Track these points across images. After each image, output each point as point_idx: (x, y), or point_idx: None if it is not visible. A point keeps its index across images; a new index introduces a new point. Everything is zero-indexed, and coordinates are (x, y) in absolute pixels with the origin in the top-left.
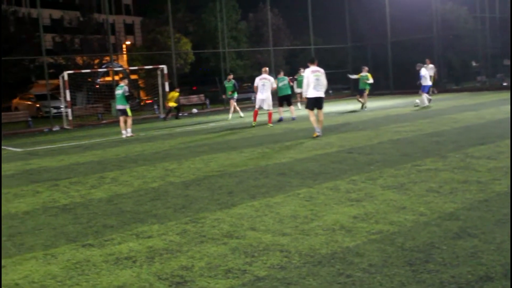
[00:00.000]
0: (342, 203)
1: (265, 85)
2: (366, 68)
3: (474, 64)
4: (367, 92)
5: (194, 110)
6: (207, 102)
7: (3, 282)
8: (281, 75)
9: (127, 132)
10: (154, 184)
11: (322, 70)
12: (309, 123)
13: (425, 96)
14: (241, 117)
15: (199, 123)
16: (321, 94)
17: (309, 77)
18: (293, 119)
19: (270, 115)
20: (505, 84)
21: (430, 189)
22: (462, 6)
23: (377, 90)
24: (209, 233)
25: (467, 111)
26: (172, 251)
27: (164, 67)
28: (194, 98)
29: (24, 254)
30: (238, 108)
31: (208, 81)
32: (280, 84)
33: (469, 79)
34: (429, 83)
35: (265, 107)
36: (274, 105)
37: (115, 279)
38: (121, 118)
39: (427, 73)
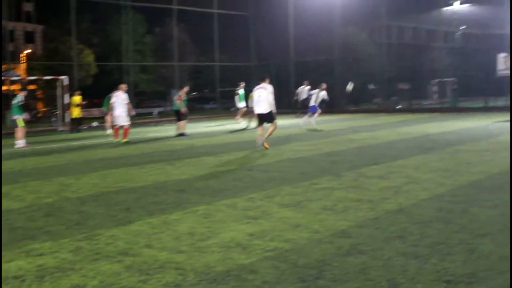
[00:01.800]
0: (239, 221)
1: (117, 102)
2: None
3: (371, 86)
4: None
5: (95, 123)
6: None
7: None
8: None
9: (20, 143)
10: (48, 200)
11: (267, 87)
12: (206, 139)
13: (306, 117)
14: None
15: (99, 137)
16: (261, 110)
17: (253, 94)
18: (181, 135)
19: (125, 130)
20: (399, 107)
21: (325, 207)
22: (362, 31)
23: (280, 109)
24: (104, 251)
25: (362, 131)
26: (64, 269)
27: (65, 78)
28: (95, 111)
29: None
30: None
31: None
32: (184, 99)
33: (366, 101)
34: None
35: (120, 122)
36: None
37: None
38: (18, 128)
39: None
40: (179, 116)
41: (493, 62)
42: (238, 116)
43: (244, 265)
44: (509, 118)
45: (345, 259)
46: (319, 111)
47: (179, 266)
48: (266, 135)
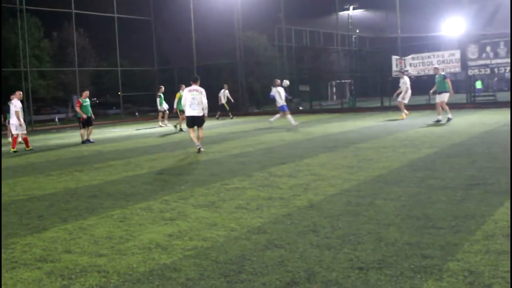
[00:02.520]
0: (157, 223)
1: (11, 110)
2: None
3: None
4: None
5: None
6: (6, 123)
7: None
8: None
9: None
10: None
11: (201, 90)
12: (113, 145)
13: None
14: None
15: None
16: (197, 113)
17: (186, 96)
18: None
19: (17, 139)
20: (301, 108)
21: (238, 206)
22: (262, 35)
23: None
24: (21, 259)
25: (268, 133)
26: None
27: None
28: None
29: None
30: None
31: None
32: (85, 104)
33: (269, 103)
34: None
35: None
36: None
37: None
38: None
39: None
40: (82, 123)
41: (388, 64)
42: (160, 119)
43: (166, 264)
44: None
45: (263, 254)
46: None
47: (101, 269)
48: (200, 141)
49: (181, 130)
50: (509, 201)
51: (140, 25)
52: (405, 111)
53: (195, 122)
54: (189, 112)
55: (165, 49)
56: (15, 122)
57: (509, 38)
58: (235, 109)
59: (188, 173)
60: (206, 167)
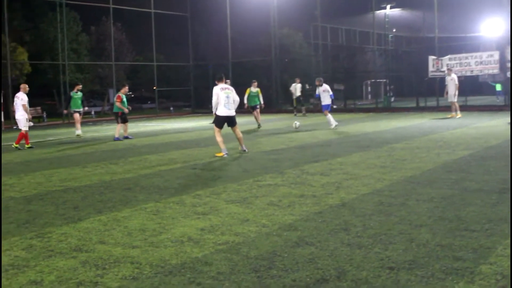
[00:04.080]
0: (189, 217)
1: (17, 103)
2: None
3: (307, 87)
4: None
5: (30, 123)
6: (44, 115)
7: None
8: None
9: None
10: None
11: (231, 88)
12: (147, 139)
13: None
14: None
15: (36, 137)
16: (232, 112)
17: (219, 95)
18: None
19: (23, 135)
20: (334, 106)
21: (270, 202)
22: (298, 32)
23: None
24: (57, 248)
25: (301, 131)
26: (19, 266)
27: None
28: (30, 111)
29: None
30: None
31: (46, 94)
32: (124, 100)
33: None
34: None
35: (19, 126)
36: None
37: None
38: None
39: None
40: (119, 118)
41: (424, 64)
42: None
43: (198, 258)
44: (439, 117)
45: (294, 250)
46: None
47: (134, 260)
48: (241, 141)
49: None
50: None
51: (176, 21)
52: (457, 110)
53: (228, 122)
54: (224, 112)
55: (200, 45)
56: (22, 116)
57: None
58: (269, 106)
59: (221, 168)
60: (238, 163)
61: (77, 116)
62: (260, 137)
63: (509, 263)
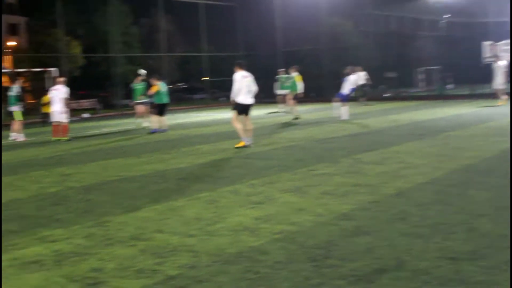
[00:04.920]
0: (244, 206)
1: (56, 96)
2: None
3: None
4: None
5: (85, 115)
6: (98, 107)
7: None
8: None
9: (16, 136)
10: (52, 189)
11: (251, 76)
12: (199, 129)
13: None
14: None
15: (91, 128)
16: (251, 101)
17: (241, 82)
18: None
19: (64, 128)
20: (386, 95)
21: (325, 192)
22: (348, 20)
23: (268, 98)
24: (116, 236)
25: (352, 120)
26: (80, 254)
27: (54, 70)
28: (85, 103)
29: None
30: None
31: (100, 86)
32: (163, 90)
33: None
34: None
35: (57, 119)
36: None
37: (24, 283)
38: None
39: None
40: (158, 110)
41: (478, 50)
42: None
43: (254, 247)
44: (495, 105)
45: (351, 240)
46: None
47: (191, 249)
48: (250, 134)
49: (296, 118)
50: None
51: (225, 11)
52: (504, 96)
53: (247, 110)
54: (245, 100)
55: (249, 35)
56: (60, 109)
57: None
58: (319, 95)
59: (274, 158)
60: (291, 152)
61: (139, 107)
62: (311, 126)
63: None
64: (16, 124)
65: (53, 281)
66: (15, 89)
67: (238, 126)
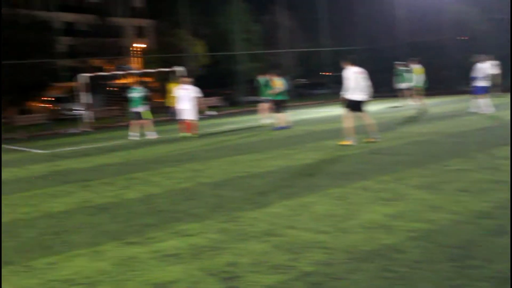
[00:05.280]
0: (375, 202)
1: (186, 95)
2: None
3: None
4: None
5: (210, 113)
6: (223, 104)
7: (56, 277)
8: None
9: (149, 133)
10: (185, 185)
11: (364, 71)
12: (323, 125)
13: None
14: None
15: (217, 125)
16: (365, 97)
17: (355, 78)
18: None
19: (194, 125)
20: None
21: (460, 188)
22: (475, 7)
23: (390, 92)
24: (249, 231)
25: (480, 113)
26: (215, 248)
27: (180, 69)
28: (210, 101)
29: (71, 251)
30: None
31: (223, 84)
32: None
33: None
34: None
35: (189, 117)
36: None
37: (166, 274)
38: (136, 121)
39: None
40: (279, 106)
41: None
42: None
43: (389, 245)
44: None
45: (493, 240)
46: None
47: (324, 245)
48: (371, 128)
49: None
50: None
51: (345, 4)
52: None
53: (358, 108)
54: (358, 96)
55: (369, 28)
56: (190, 107)
57: None
58: (447, 88)
59: (402, 153)
60: (421, 147)
61: (265, 105)
62: (440, 119)
63: None
64: (147, 123)
65: (191, 274)
66: (139, 90)
67: (347, 124)
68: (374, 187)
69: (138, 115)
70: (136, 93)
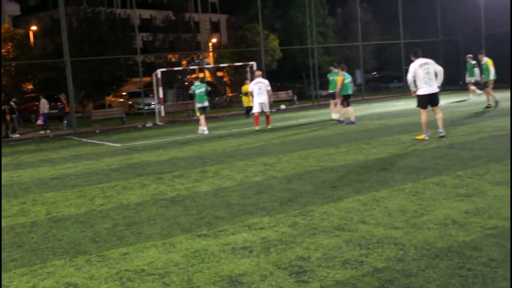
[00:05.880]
0: (451, 198)
1: (261, 88)
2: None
3: None
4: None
5: (282, 106)
6: (295, 98)
7: (128, 267)
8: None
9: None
10: (256, 178)
11: (431, 61)
12: (398, 119)
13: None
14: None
15: (289, 119)
16: (434, 89)
17: (417, 72)
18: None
19: (268, 117)
20: None
21: None
22: None
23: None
24: (320, 226)
25: None
26: (286, 242)
27: (254, 63)
28: (282, 94)
29: (143, 242)
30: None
31: (296, 78)
32: (346, 81)
33: None
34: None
35: (265, 109)
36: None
37: (236, 267)
38: (204, 116)
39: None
40: (345, 101)
41: None
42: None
43: (465, 242)
44: None
45: None
46: None
47: (397, 241)
48: (441, 122)
49: (488, 106)
50: None
51: None
52: None
53: (431, 100)
54: (425, 90)
55: (449, 18)
56: (264, 100)
57: None
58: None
59: (480, 148)
60: (500, 142)
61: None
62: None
63: None
64: (201, 119)
65: (262, 267)
66: (203, 87)
67: (423, 119)
68: (450, 182)
69: (203, 110)
70: (202, 88)
